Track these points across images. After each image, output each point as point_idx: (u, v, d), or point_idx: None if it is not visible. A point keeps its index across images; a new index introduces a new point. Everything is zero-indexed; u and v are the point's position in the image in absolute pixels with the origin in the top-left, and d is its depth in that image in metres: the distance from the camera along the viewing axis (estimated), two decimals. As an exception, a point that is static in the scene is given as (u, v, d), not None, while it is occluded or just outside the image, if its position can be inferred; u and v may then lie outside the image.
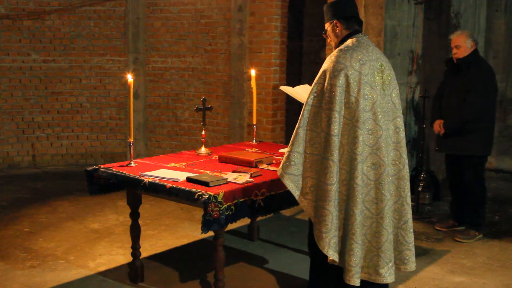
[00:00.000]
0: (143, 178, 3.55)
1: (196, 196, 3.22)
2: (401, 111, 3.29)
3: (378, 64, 3.19)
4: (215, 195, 3.20)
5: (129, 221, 3.99)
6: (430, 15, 6.30)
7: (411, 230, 3.28)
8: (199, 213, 3.80)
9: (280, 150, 4.39)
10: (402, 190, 3.24)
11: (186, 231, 5.13)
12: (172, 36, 7.65)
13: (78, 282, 4.02)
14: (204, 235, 3.83)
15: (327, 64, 3.16)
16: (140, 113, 7.83)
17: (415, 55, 6.12)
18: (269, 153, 4.34)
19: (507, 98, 7.42)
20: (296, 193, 3.19)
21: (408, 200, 3.26)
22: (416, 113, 6.23)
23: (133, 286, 3.94)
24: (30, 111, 7.61)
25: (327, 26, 3.36)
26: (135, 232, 3.98)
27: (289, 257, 4.53)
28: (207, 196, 3.18)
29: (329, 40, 3.43)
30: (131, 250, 4.00)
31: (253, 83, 4.78)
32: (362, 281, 3.19)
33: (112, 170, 3.77)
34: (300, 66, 8.63)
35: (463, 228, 5.03)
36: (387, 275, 3.19)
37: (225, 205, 3.25)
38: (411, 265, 3.31)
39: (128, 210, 3.99)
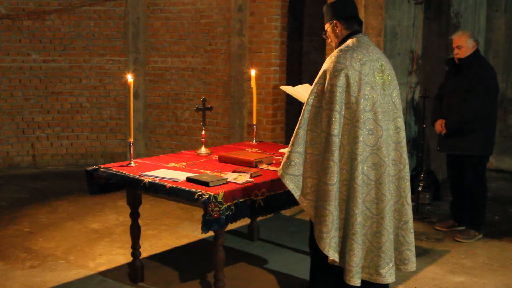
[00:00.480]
0: (143, 178, 3.55)
1: (196, 196, 3.22)
2: (401, 111, 3.28)
3: (378, 64, 3.19)
4: (215, 195, 3.20)
5: (129, 221, 3.99)
6: (430, 15, 6.30)
7: (412, 230, 3.28)
8: (199, 213, 3.80)
9: (280, 150, 4.39)
10: (403, 190, 3.23)
11: (186, 231, 5.13)
12: (172, 36, 7.65)
13: (78, 282, 4.02)
14: (204, 235, 3.84)
15: (327, 64, 3.15)
16: (140, 113, 7.83)
17: (415, 55, 6.12)
18: (269, 153, 4.33)
19: (507, 98, 7.42)
20: (296, 193, 3.19)
21: (409, 200, 3.26)
22: (416, 113, 6.23)
23: (133, 286, 3.94)
24: (30, 111, 7.61)
25: (327, 26, 3.36)
26: (135, 232, 3.98)
27: (289, 257, 4.53)
28: (207, 196, 3.17)
29: (329, 40, 3.42)
30: (131, 250, 4.00)
31: (253, 83, 4.78)
32: (362, 281, 3.18)
33: (112, 170, 3.77)
34: (300, 66, 8.62)
35: (463, 228, 5.03)
36: (388, 275, 3.19)
37: (225, 205, 3.25)
38: (412, 265, 3.30)
39: (128, 210, 3.98)
